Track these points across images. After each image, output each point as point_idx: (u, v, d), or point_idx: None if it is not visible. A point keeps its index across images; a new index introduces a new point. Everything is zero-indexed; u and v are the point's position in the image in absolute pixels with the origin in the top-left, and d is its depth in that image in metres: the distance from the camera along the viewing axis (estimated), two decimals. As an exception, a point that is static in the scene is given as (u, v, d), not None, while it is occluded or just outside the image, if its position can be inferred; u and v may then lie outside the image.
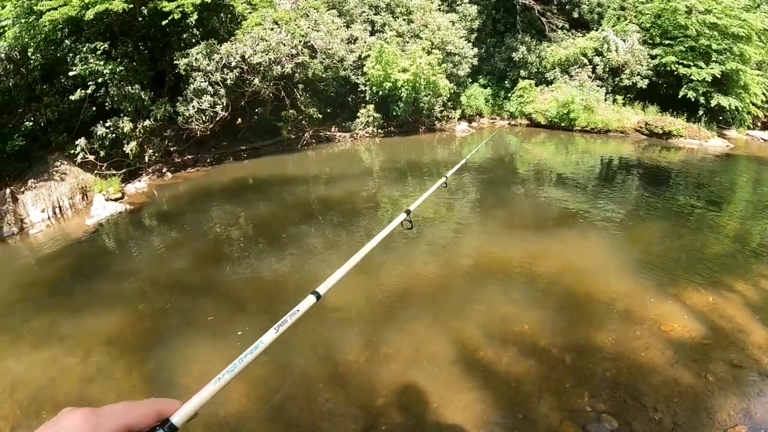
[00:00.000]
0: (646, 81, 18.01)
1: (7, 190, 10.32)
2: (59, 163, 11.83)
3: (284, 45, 13.92)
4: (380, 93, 17.19)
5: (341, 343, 5.08)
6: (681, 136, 15.73)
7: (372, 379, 4.46)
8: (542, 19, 20.29)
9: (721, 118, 17.86)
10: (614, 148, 15.08)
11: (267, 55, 13.51)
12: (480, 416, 3.86)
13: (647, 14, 18.53)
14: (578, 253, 6.93)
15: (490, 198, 10.06)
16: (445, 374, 4.42)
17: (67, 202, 11.09)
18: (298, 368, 4.76)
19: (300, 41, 14.65)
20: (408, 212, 2.33)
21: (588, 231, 7.74)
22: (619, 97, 18.32)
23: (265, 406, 4.27)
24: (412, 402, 4.13)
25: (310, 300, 1.14)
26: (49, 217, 10.55)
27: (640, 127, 16.53)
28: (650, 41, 18.43)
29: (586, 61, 18.84)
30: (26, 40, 11.01)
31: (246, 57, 13.34)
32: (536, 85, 19.01)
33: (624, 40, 18.39)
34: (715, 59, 16.77)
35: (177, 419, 0.66)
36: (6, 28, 11.00)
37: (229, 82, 13.40)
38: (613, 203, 9.20)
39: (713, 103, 16.60)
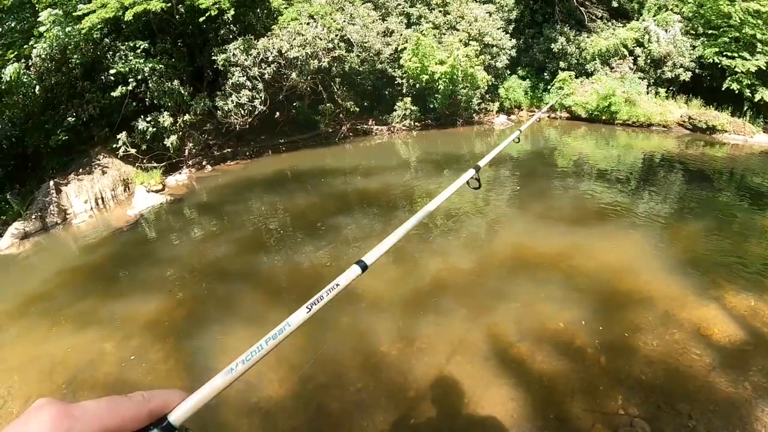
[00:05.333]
0: (689, 73, 17.32)
1: (51, 183, 10.65)
2: (101, 157, 12.14)
3: (320, 39, 13.95)
4: (417, 86, 17.06)
5: (375, 333, 5.12)
6: (725, 131, 15.08)
7: (404, 370, 4.48)
8: (581, 8, 19.78)
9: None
10: (657, 143, 14.60)
11: (304, 49, 13.57)
12: (511, 414, 3.83)
13: (689, 3, 17.84)
14: (618, 250, 6.76)
15: (528, 191, 9.92)
16: (477, 369, 4.40)
17: (110, 193, 11.39)
18: (331, 357, 4.81)
19: (336, 35, 14.66)
20: (477, 168, 1.98)
21: (629, 228, 7.54)
22: (662, 90, 17.65)
23: (297, 392, 4.33)
24: (444, 396, 4.13)
25: (354, 271, 0.99)
26: (91, 208, 10.87)
27: (683, 122, 15.88)
28: (693, 32, 17.68)
29: (626, 52, 18.21)
30: (65, 40, 11.27)
31: (283, 51, 13.41)
32: (576, 77, 18.52)
33: (666, 31, 17.71)
34: (760, 50, 16.06)
35: (175, 417, 0.56)
36: (46, 31, 11.27)
37: (266, 76, 13.53)
38: (655, 200, 8.95)
39: (757, 97, 15.93)
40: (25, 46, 11.42)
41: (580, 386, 4.06)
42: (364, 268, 1.04)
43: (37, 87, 10.95)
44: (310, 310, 0.86)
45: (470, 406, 3.97)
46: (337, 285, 0.97)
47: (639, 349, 4.47)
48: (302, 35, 13.61)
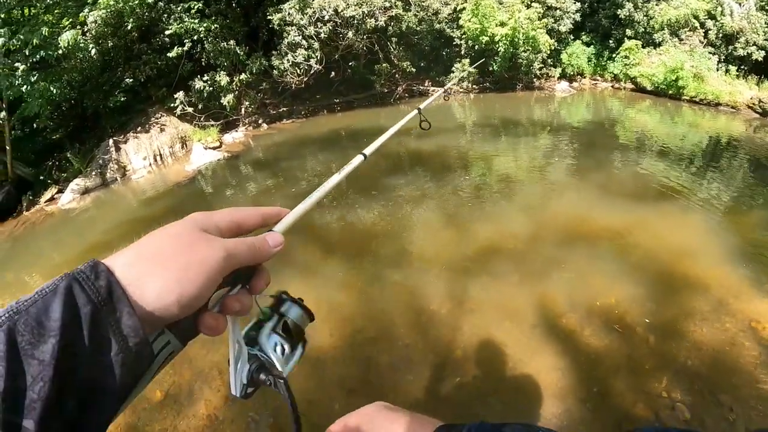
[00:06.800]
0: (762, 52, 16.09)
1: (110, 141, 11.07)
2: (159, 115, 12.52)
3: (377, -3, 13.79)
4: (476, 47, 16.64)
5: (425, 292, 5.15)
6: (797, 119, 14.02)
7: (452, 330, 4.52)
8: (652, -29, 18.77)
9: None
10: (724, 124, 13.63)
11: (360, 8, 13.42)
12: (555, 383, 3.81)
13: (767, -26, 16.56)
14: (676, 231, 6.47)
15: (587, 161, 9.61)
16: (525, 336, 4.39)
17: (168, 150, 11.76)
18: (381, 312, 4.89)
19: (394, -7, 14.44)
20: (419, 110, 2.28)
21: (688, 210, 7.19)
22: (732, 68, 16.44)
23: (346, 343, 4.44)
24: (489, 358, 4.15)
25: (359, 158, 1.27)
26: (150, 164, 11.25)
27: (753, 104, 14.50)
28: (767, 8, 16.57)
29: (697, 24, 16.95)
30: (120, 5, 11.48)
31: (339, 10, 13.31)
32: (642, 47, 17.53)
33: (740, 4, 16.53)
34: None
35: (278, 228, 0.72)
36: (99, -1, 11.52)
37: (322, 35, 13.49)
38: (718, 184, 8.45)
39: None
40: (80, 15, 11.67)
41: (626, 364, 3.99)
42: (365, 156, 1.30)
43: (94, 51, 11.20)
44: (340, 174, 1.11)
45: (515, 370, 3.98)
46: (350, 164, 1.23)
47: (688, 334, 4.32)
48: (359, -7, 13.48)
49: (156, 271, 0.51)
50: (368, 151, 1.36)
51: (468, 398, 3.80)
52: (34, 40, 9.40)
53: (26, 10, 10.67)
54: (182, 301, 0.51)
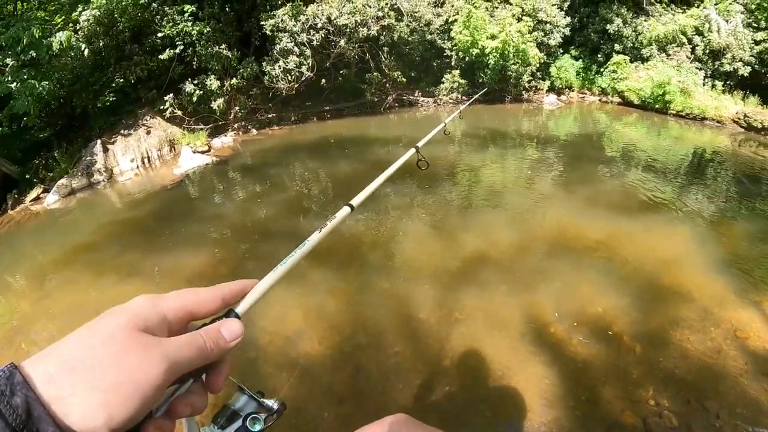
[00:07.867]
0: (748, 68, 16.33)
1: (98, 142, 10.97)
2: (148, 118, 12.43)
3: (370, 7, 13.84)
4: (466, 59, 16.77)
5: (414, 301, 5.14)
6: (781, 133, 14.21)
7: (441, 339, 4.52)
8: (641, -12, 19.03)
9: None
10: (709, 138, 13.77)
11: (353, 16, 13.49)
12: (543, 391, 3.83)
13: (752, -7, 16.82)
14: (662, 242, 6.55)
15: (574, 173, 9.70)
16: (513, 345, 4.40)
17: (156, 153, 11.69)
18: (370, 320, 4.88)
19: (386, 3, 14.52)
20: (417, 149, 2.31)
21: (673, 221, 7.29)
22: (718, 83, 16.63)
23: (335, 351, 4.42)
24: (478, 367, 4.15)
25: (345, 210, 1.19)
26: (137, 167, 11.18)
27: (738, 119, 14.71)
28: (754, 24, 16.62)
29: (685, 40, 17.21)
30: (113, 5, 11.42)
31: (332, 18, 13.37)
32: (631, 62, 17.77)
33: (727, 21, 16.77)
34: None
35: (240, 310, 0.67)
36: (93, -1, 11.44)
37: (314, 43, 13.52)
38: (703, 197, 8.56)
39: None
40: (73, 14, 11.60)
41: (614, 372, 4.02)
42: (352, 208, 1.24)
43: (86, 50, 11.14)
44: (320, 231, 1.03)
45: (504, 379, 3.99)
46: (334, 217, 1.12)
47: (674, 342, 4.37)
48: (352, 2, 13.54)
49: (79, 390, 0.44)
50: (356, 201, 1.29)
51: (458, 406, 3.80)
52: (25, 39, 9.31)
53: (19, 5, 10.56)
54: (112, 425, 0.44)
